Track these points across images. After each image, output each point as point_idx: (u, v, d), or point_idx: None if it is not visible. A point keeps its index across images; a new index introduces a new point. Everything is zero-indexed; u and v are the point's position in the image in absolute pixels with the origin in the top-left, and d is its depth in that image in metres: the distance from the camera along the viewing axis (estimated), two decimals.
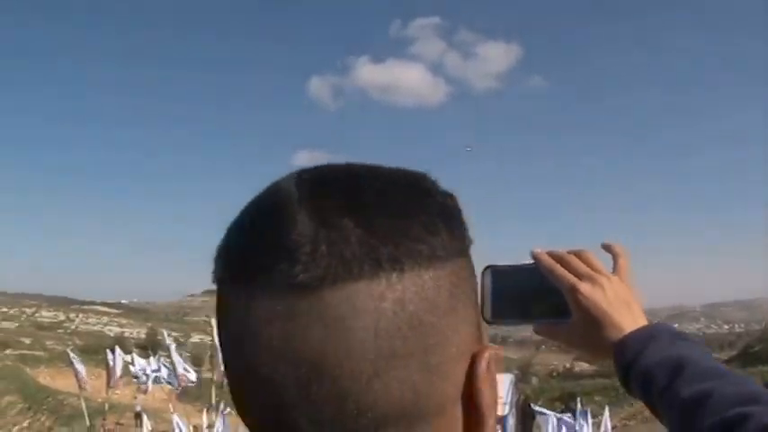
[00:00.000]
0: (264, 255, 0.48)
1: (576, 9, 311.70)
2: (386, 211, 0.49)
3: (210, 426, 23.28)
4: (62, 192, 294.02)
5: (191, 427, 23.30)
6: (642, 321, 0.88)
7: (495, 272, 0.92)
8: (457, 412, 0.50)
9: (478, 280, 0.52)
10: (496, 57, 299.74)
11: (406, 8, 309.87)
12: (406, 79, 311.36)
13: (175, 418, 23.18)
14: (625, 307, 0.77)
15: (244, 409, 0.49)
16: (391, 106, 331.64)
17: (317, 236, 0.47)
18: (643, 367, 0.89)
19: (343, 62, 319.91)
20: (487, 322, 0.85)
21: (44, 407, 45.54)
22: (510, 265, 0.95)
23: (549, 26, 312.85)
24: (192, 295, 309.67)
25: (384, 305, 0.46)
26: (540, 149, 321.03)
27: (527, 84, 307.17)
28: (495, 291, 0.91)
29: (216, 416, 23.02)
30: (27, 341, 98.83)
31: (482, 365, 0.50)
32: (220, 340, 0.54)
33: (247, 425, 0.49)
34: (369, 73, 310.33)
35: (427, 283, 0.47)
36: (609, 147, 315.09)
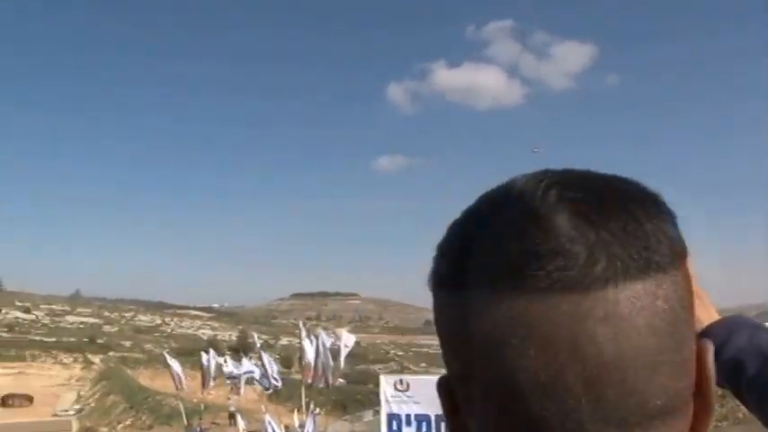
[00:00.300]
0: (534, 257, 0.48)
1: (650, 4, 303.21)
2: (634, 214, 0.50)
3: (301, 426, 23.86)
4: (157, 203, 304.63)
5: (282, 427, 23.92)
6: (716, 314, 0.87)
7: None
8: (692, 404, 0.52)
9: None
10: (571, 56, 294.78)
11: (479, 12, 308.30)
12: (482, 82, 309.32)
13: (267, 418, 23.90)
14: (698, 300, 0.70)
15: (499, 410, 0.49)
16: (468, 109, 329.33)
17: (587, 238, 0.48)
18: (730, 356, 0.87)
19: (420, 68, 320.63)
20: None
21: (144, 406, 47.48)
22: None
23: (624, 23, 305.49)
24: (281, 299, 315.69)
25: (658, 303, 0.48)
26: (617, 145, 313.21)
27: (603, 82, 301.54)
28: None
29: (306, 416, 23.63)
30: (127, 344, 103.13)
31: (710, 357, 0.52)
32: (456, 343, 0.53)
33: (498, 425, 0.49)
34: (445, 77, 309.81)
35: (679, 282, 0.50)
36: (691, 144, 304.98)
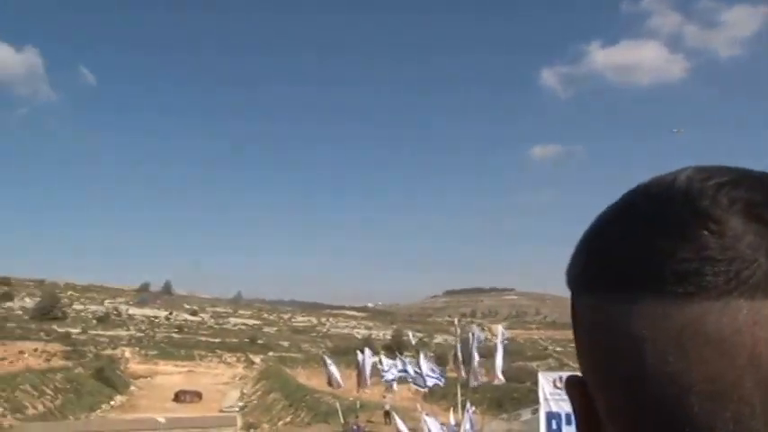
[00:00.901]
0: (710, 262, 0.46)
1: None
2: None
3: (458, 424, 23.08)
4: (312, 207, 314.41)
5: (444, 427, 23.23)
6: None
7: None
8: None
9: None
10: (742, 22, 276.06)
11: None
12: (641, 59, 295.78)
13: (424, 417, 23.25)
14: None
15: (656, 415, 0.47)
16: (627, 89, 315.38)
17: (766, 241, 0.46)
18: None
19: (573, 50, 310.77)
20: None
21: (303, 404, 48.22)
22: None
23: None
24: (434, 297, 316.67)
25: None
26: None
27: None
28: None
29: (462, 415, 22.78)
30: (285, 344, 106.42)
31: None
32: (607, 346, 0.51)
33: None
34: (602, 57, 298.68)
35: None
36: None
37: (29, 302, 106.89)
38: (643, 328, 0.49)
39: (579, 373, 0.56)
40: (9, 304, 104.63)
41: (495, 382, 25.55)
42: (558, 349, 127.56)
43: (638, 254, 0.48)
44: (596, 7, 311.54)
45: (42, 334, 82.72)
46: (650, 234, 0.48)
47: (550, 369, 51.25)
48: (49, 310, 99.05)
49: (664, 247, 0.48)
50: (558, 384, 17.03)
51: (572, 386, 0.54)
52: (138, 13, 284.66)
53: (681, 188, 0.50)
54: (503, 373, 25.57)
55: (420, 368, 29.43)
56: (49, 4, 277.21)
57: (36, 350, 68.92)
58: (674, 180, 0.51)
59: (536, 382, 19.20)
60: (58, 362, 63.91)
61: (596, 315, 0.52)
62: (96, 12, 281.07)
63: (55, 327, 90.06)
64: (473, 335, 24.50)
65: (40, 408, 47.21)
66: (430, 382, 28.02)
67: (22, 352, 68.02)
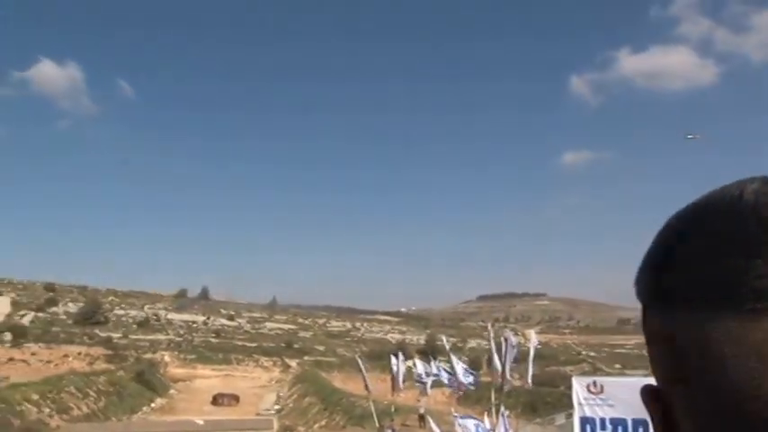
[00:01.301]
0: None
1: None
2: None
3: (492, 428, 23.45)
4: (345, 212, 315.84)
5: (481, 427, 23.64)
6: None
7: None
8: None
9: None
10: None
11: None
12: (671, 64, 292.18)
13: (458, 420, 23.72)
14: None
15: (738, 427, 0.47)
16: (658, 95, 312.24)
17: None
18: None
19: (602, 57, 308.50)
20: None
21: (338, 407, 48.88)
22: None
23: None
24: (467, 302, 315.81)
25: None
26: None
27: None
28: None
29: (496, 419, 23.20)
30: (321, 348, 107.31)
31: None
32: (687, 358, 0.51)
33: None
34: (631, 63, 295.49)
35: None
36: None
37: (72, 307, 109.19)
38: (724, 345, 0.49)
39: (650, 381, 0.54)
40: (54, 309, 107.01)
41: (527, 386, 25.93)
42: (592, 354, 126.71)
43: (713, 272, 0.48)
44: (625, 14, 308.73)
45: (85, 338, 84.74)
46: (723, 251, 0.48)
47: (584, 374, 51.25)
48: (92, 315, 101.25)
49: (738, 264, 0.48)
50: (592, 389, 17.24)
51: (647, 394, 0.54)
52: (173, 27, 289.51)
53: (749, 203, 0.50)
54: (532, 377, 25.96)
55: (454, 372, 29.87)
56: (90, 21, 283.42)
57: (80, 353, 70.75)
58: (742, 194, 0.50)
59: (570, 387, 19.34)
60: (100, 365, 65.59)
61: (673, 331, 0.52)
62: (134, 27, 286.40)
63: (97, 331, 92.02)
64: (506, 339, 24.95)
65: (85, 409, 48.58)
66: (467, 380, 28.35)
67: (66, 355, 69.80)
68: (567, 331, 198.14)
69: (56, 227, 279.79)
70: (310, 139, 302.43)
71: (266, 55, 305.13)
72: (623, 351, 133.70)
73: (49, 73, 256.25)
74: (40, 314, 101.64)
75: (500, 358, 23.69)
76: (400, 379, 34.50)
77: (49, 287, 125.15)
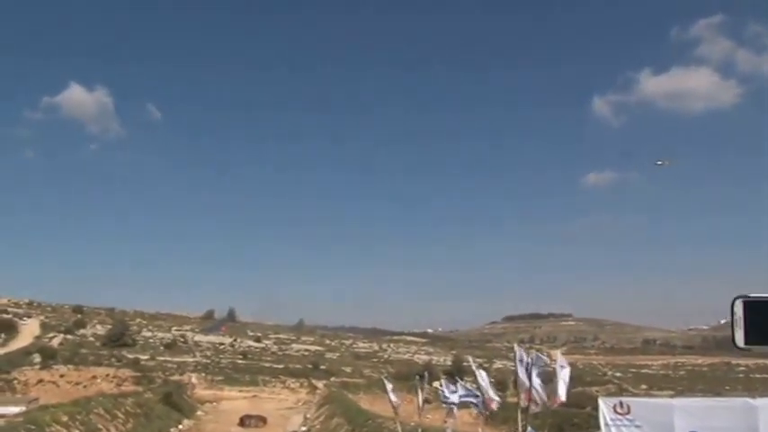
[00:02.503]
0: None
1: None
2: None
3: None
4: (369, 236, 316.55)
5: None
6: None
7: (748, 302, 1.11)
8: None
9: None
10: None
11: (683, 12, 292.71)
12: (693, 85, 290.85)
13: None
14: None
15: None
16: (680, 116, 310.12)
17: None
18: None
19: (624, 78, 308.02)
20: (738, 348, 1.00)
21: (365, 429, 48.74)
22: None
23: None
24: (493, 323, 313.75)
25: None
26: None
27: None
28: (747, 319, 1.09)
29: None
30: (348, 369, 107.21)
31: None
32: None
33: None
34: (652, 85, 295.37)
35: None
36: None
37: (100, 330, 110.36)
38: None
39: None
40: (82, 331, 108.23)
41: (554, 407, 25.81)
42: (618, 374, 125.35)
43: None
44: (645, 36, 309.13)
45: (113, 360, 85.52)
46: None
47: (610, 394, 50.64)
48: (120, 337, 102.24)
49: None
50: (619, 410, 17.20)
51: None
52: (201, 55, 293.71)
53: None
54: (565, 395, 25.81)
55: (481, 393, 29.78)
56: (118, 47, 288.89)
57: (108, 375, 71.50)
58: None
59: (596, 408, 19.34)
60: (128, 387, 66.16)
61: None
62: (161, 50, 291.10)
63: (125, 353, 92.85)
64: (532, 359, 24.90)
65: (113, 431, 48.95)
66: (495, 401, 28.19)
67: (95, 377, 70.62)
68: (592, 352, 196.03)
69: (84, 250, 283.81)
70: (335, 167, 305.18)
71: (293, 87, 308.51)
72: (649, 372, 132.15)
73: (78, 98, 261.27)
74: (69, 336, 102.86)
75: (526, 379, 23.63)
76: (426, 400, 34.48)
77: (78, 309, 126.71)
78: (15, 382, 71.87)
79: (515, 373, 28.50)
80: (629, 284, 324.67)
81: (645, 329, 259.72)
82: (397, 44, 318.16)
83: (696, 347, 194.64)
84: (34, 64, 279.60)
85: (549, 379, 26.44)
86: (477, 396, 29.25)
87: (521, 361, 23.67)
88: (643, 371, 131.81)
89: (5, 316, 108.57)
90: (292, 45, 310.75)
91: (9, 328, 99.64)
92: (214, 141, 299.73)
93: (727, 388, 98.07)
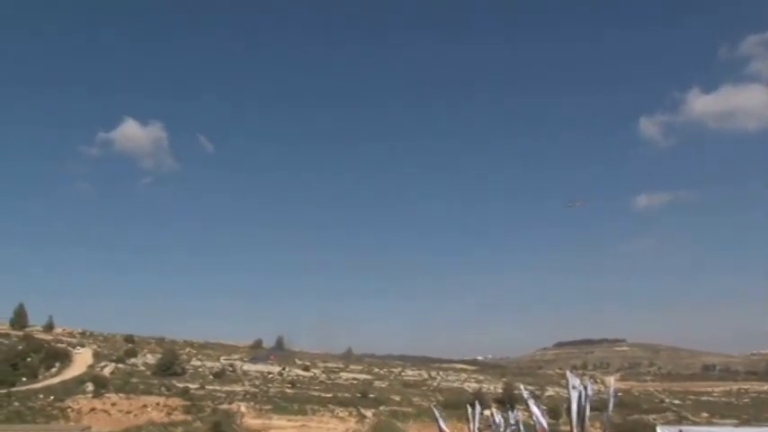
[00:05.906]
0: None
1: None
2: None
3: None
4: (416, 266, 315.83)
5: None
6: None
7: None
8: None
9: None
10: None
11: (731, 29, 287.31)
12: (744, 103, 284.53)
13: None
14: None
15: None
16: (732, 134, 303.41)
17: None
18: None
19: (671, 98, 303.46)
20: None
21: None
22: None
23: None
24: (544, 349, 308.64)
25: None
26: None
27: None
28: None
29: None
30: (397, 398, 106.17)
31: None
32: None
33: None
34: (701, 104, 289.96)
35: None
36: None
37: (150, 359, 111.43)
38: None
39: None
40: (133, 360, 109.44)
41: None
42: (676, 402, 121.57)
43: None
44: (692, 55, 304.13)
45: (163, 389, 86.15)
46: None
47: (669, 423, 49.06)
48: (170, 366, 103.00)
49: None
50: None
51: None
52: (252, 80, 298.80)
53: None
54: (618, 426, 24.94)
55: (532, 418, 29.00)
56: (171, 83, 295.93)
57: (158, 404, 71.94)
58: None
59: None
60: (178, 416, 66.46)
61: None
62: (212, 83, 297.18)
63: (175, 382, 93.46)
64: (585, 387, 24.10)
65: None
66: (544, 425, 27.41)
67: (145, 406, 71.08)
68: (648, 378, 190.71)
69: (136, 281, 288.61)
70: (382, 198, 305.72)
71: (347, 119, 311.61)
72: (710, 399, 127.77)
73: (132, 133, 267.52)
74: (120, 365, 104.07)
75: (579, 406, 22.90)
76: (477, 428, 33.76)
77: (129, 339, 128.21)
78: (69, 410, 72.95)
79: (568, 400, 27.67)
80: (684, 307, 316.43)
81: (702, 354, 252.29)
82: (447, 71, 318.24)
83: (761, 373, 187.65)
84: (90, 99, 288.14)
85: (602, 406, 25.53)
86: (530, 424, 28.42)
87: (574, 388, 22.87)
88: (703, 398, 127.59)
89: (60, 345, 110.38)
90: (347, 78, 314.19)
91: (63, 358, 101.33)
92: (265, 174, 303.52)
93: None
